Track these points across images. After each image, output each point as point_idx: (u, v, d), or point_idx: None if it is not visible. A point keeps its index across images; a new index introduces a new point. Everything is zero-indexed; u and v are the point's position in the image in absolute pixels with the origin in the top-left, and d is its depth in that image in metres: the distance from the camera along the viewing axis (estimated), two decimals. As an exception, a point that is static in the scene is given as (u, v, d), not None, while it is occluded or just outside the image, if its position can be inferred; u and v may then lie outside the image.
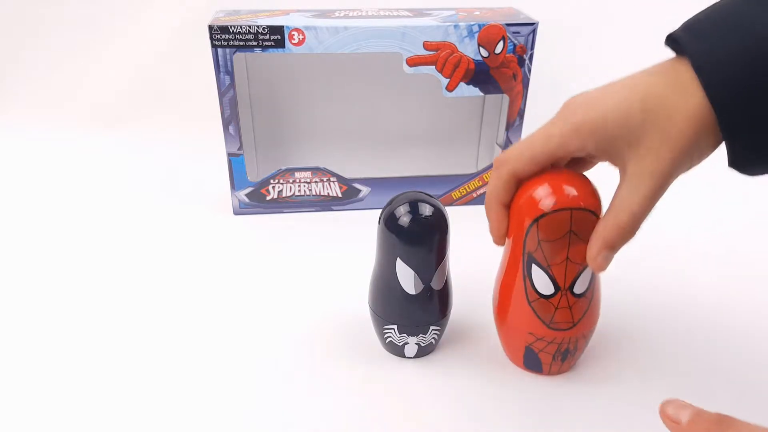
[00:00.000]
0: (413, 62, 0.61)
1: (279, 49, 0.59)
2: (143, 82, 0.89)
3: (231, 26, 0.57)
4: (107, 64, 0.89)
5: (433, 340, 0.47)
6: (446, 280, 0.45)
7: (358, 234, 0.58)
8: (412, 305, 0.44)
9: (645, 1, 0.83)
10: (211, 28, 0.57)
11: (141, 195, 0.72)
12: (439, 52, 0.61)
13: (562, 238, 0.39)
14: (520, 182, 0.40)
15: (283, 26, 0.58)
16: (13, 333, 0.50)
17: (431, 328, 0.45)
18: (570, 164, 0.41)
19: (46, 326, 0.50)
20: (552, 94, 0.78)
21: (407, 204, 0.42)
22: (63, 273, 0.57)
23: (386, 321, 0.45)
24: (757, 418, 0.42)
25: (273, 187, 0.67)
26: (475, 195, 0.71)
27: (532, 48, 0.62)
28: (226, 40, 0.58)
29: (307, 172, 0.67)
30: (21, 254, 0.61)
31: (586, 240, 0.38)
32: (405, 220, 0.41)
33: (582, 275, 0.40)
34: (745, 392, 0.44)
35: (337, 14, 0.62)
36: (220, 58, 0.59)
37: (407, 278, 0.43)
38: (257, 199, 0.68)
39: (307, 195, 0.68)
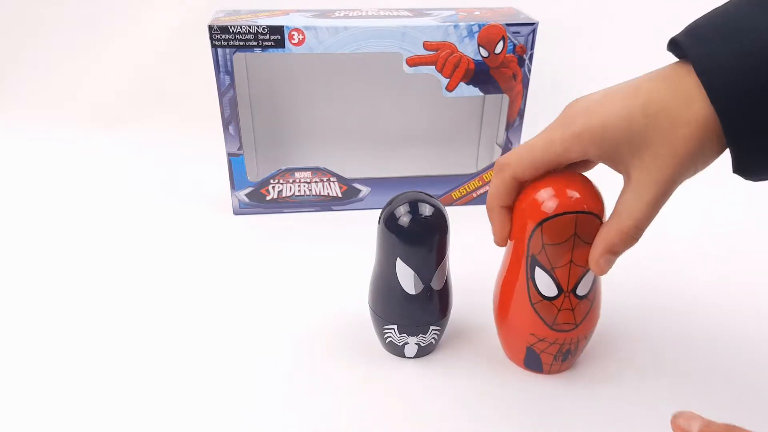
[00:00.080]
0: (413, 62, 0.61)
1: (279, 49, 0.59)
2: (143, 82, 0.89)
3: (231, 26, 0.57)
4: (107, 64, 0.89)
5: (433, 340, 0.47)
6: (446, 280, 0.45)
7: (358, 234, 0.58)
8: (412, 305, 0.44)
9: (645, 2, 0.83)
10: (211, 28, 0.57)
11: (141, 195, 0.72)
12: (439, 52, 0.61)
13: (567, 242, 0.39)
14: (521, 185, 0.40)
15: (283, 26, 0.58)
16: (14, 333, 0.50)
17: (431, 328, 0.45)
18: (570, 165, 0.41)
19: (47, 326, 0.50)
20: (552, 94, 0.78)
21: (407, 204, 0.42)
22: (63, 273, 0.57)
23: (386, 321, 0.45)
24: (757, 417, 0.42)
25: (273, 187, 0.67)
26: (475, 195, 0.71)
27: (532, 48, 0.62)
28: (226, 40, 0.58)
29: (307, 172, 0.67)
30: (21, 254, 0.61)
31: (589, 243, 0.38)
32: (405, 220, 0.41)
33: (585, 277, 0.40)
34: (745, 392, 0.44)
35: (337, 14, 0.62)
36: (220, 58, 0.59)
37: (407, 278, 0.43)
38: (257, 199, 0.68)
39: (307, 195, 0.68)
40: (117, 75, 0.89)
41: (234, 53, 0.59)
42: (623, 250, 0.37)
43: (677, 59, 0.35)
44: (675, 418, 0.33)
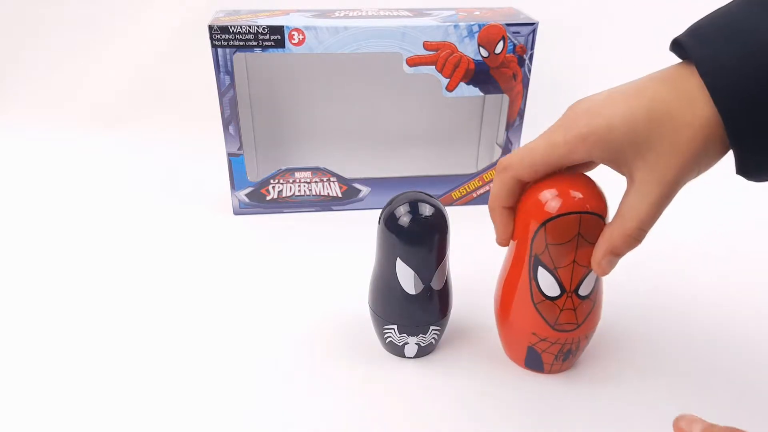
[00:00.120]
0: (413, 62, 0.61)
1: (279, 49, 0.59)
2: (143, 82, 0.89)
3: (231, 26, 0.57)
4: (107, 64, 0.89)
5: (433, 340, 0.47)
6: (446, 280, 0.45)
7: (358, 234, 0.58)
8: (412, 305, 0.44)
9: (645, 2, 0.83)
10: (211, 28, 0.57)
11: (141, 195, 0.72)
12: (439, 52, 0.61)
13: (570, 242, 0.39)
14: (523, 186, 0.40)
15: (283, 26, 0.58)
16: (14, 333, 0.50)
17: (431, 328, 0.45)
18: (572, 166, 0.41)
19: (47, 326, 0.50)
20: (552, 94, 0.78)
21: (407, 204, 0.42)
22: (63, 273, 0.57)
23: (386, 321, 0.45)
24: (757, 417, 0.42)
25: (273, 187, 0.67)
26: (475, 195, 0.71)
27: (532, 48, 0.62)
28: (226, 40, 0.58)
29: (307, 172, 0.67)
30: (21, 254, 0.60)
31: (593, 243, 0.38)
32: (405, 220, 0.41)
33: (587, 278, 0.40)
34: (745, 392, 0.44)
35: (337, 14, 0.63)
36: (220, 58, 0.59)
37: (407, 278, 0.43)
38: (257, 199, 0.68)
39: (307, 195, 0.68)
40: (117, 75, 0.89)
41: (234, 53, 0.59)
42: (626, 252, 0.37)
43: (680, 60, 0.35)
44: (677, 421, 0.33)
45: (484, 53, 0.61)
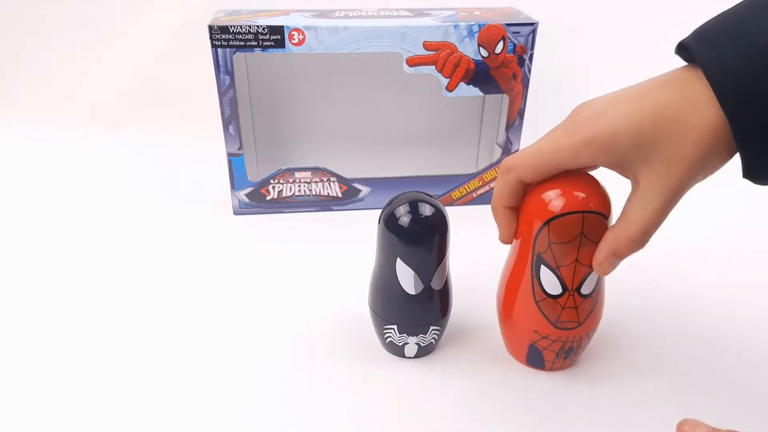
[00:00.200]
0: (413, 62, 0.61)
1: (279, 49, 0.59)
2: (143, 82, 0.89)
3: (231, 26, 0.58)
4: (107, 64, 0.89)
5: (433, 340, 0.47)
6: (446, 280, 0.45)
7: (358, 234, 0.58)
8: (412, 305, 0.44)
9: (645, 2, 0.83)
10: (211, 28, 0.57)
11: (141, 195, 0.72)
12: (439, 52, 0.61)
13: (573, 241, 0.39)
14: (526, 187, 0.40)
15: (283, 26, 0.58)
16: (13, 333, 0.50)
17: (431, 328, 0.45)
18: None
19: (46, 326, 0.50)
20: (552, 94, 0.78)
21: (407, 204, 0.42)
22: (63, 273, 0.57)
23: (386, 321, 0.45)
24: (757, 417, 0.42)
25: (273, 187, 0.67)
26: (475, 195, 0.71)
27: (532, 48, 0.62)
28: (226, 40, 0.58)
29: (307, 172, 0.67)
30: (21, 254, 0.60)
31: (596, 242, 0.38)
32: (405, 220, 0.41)
33: (590, 276, 0.40)
34: (745, 392, 0.44)
35: (337, 14, 0.63)
36: (220, 58, 0.59)
37: (407, 278, 0.43)
38: (257, 199, 0.68)
39: (307, 195, 0.68)
40: (117, 75, 0.89)
41: (234, 53, 0.59)
42: (628, 255, 0.37)
43: (685, 63, 0.35)
44: (680, 425, 0.33)
45: (484, 53, 0.61)
